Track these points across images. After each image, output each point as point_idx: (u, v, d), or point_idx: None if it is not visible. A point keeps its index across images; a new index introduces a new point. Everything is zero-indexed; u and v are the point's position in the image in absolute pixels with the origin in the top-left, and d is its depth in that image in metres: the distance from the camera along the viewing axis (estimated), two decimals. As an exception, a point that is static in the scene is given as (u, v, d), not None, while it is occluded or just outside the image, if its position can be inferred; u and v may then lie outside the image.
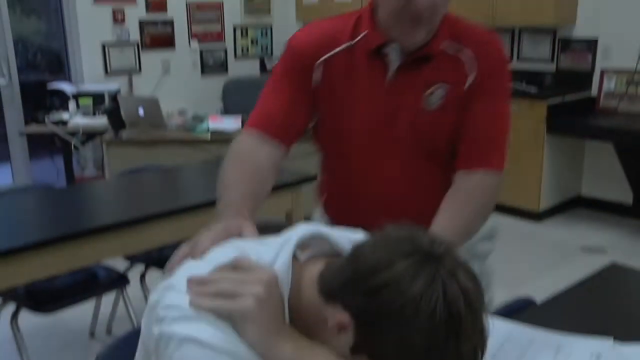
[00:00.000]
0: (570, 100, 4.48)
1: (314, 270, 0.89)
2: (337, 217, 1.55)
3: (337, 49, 1.40)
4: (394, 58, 1.36)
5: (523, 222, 4.49)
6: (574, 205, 4.77)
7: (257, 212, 1.26)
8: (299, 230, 0.95)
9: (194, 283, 0.87)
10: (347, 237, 0.96)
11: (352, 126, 1.42)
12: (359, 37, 1.39)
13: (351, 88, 1.40)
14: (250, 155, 1.35)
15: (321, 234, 0.95)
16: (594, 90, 4.57)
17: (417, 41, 1.33)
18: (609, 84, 4.48)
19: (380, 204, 1.43)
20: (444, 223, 1.30)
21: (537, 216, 4.49)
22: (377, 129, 1.41)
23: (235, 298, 0.84)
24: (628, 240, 4.17)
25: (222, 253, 0.95)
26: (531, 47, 4.91)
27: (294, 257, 0.92)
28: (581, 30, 4.59)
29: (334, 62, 1.40)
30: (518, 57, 4.98)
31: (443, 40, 1.36)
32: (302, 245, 0.94)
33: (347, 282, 0.80)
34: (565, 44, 4.69)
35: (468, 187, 1.37)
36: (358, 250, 0.84)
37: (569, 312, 1.43)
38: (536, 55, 4.88)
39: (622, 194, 4.54)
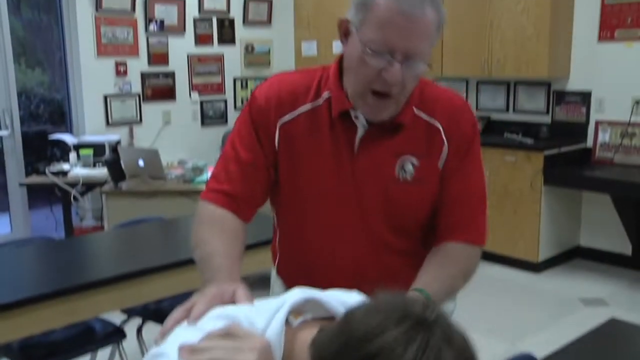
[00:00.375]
0: (566, 151, 4.54)
1: (307, 336, 0.88)
2: (289, 281, 1.47)
3: (300, 110, 1.34)
4: (362, 121, 1.30)
5: (522, 273, 4.47)
6: (572, 256, 4.76)
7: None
8: (292, 296, 0.95)
9: (186, 351, 0.86)
10: (341, 301, 0.96)
11: (313, 193, 1.35)
12: (323, 98, 1.34)
13: (314, 151, 1.33)
14: (223, 220, 1.32)
15: (314, 298, 0.96)
16: (589, 142, 4.63)
17: (384, 118, 1.28)
18: (604, 136, 4.54)
19: (337, 276, 1.33)
20: (427, 280, 1.26)
21: (536, 267, 4.48)
22: (342, 197, 1.33)
23: None
24: (628, 292, 4.14)
25: (214, 319, 0.94)
26: (527, 99, 4.99)
27: (287, 323, 0.92)
28: (575, 83, 4.69)
29: (296, 122, 1.34)
30: (514, 109, 5.06)
31: (413, 106, 1.31)
32: (295, 310, 0.95)
33: (340, 349, 0.79)
34: (560, 97, 4.78)
35: (451, 252, 1.34)
36: (351, 316, 0.82)
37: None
38: (532, 108, 4.96)
39: (621, 244, 4.54)
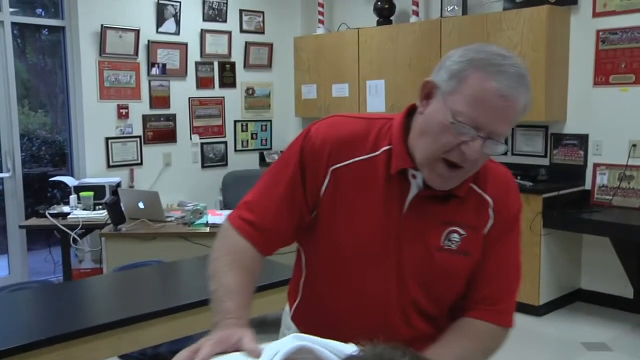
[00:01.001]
0: (565, 193, 4.55)
1: None
2: (305, 329, 1.40)
3: (356, 158, 1.29)
4: (418, 182, 1.27)
5: (523, 317, 4.42)
6: (573, 299, 4.72)
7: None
8: (286, 344, 0.96)
9: None
10: (336, 350, 0.96)
11: (351, 245, 1.30)
12: (381, 149, 1.29)
13: (362, 203, 1.29)
14: (243, 255, 1.30)
15: (308, 347, 0.96)
16: (588, 184, 4.65)
17: (448, 188, 1.25)
18: (602, 179, 4.57)
19: (360, 335, 1.29)
20: (440, 352, 1.22)
21: (537, 310, 4.44)
22: (382, 255, 1.29)
23: None
24: (630, 336, 4.10)
25: None
26: (525, 142, 5.03)
27: None
28: (572, 126, 4.74)
29: (350, 170, 1.29)
30: (512, 152, 5.10)
31: (469, 182, 1.29)
32: (289, 358, 0.95)
33: None
34: (558, 140, 4.82)
35: (473, 328, 1.30)
36: None
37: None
38: (530, 150, 4.99)
39: (622, 287, 4.51)
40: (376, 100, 5.53)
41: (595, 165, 4.60)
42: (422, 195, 1.27)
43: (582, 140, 4.68)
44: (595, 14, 4.51)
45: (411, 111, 1.29)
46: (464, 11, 5.10)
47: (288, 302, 1.51)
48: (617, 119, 4.46)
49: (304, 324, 1.43)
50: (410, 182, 1.28)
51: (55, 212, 4.39)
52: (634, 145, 4.39)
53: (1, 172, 4.96)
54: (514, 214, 1.34)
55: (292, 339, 0.97)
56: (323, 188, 1.31)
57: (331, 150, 1.30)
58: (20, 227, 4.63)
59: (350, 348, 0.98)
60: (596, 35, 4.51)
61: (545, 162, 4.90)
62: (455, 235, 1.28)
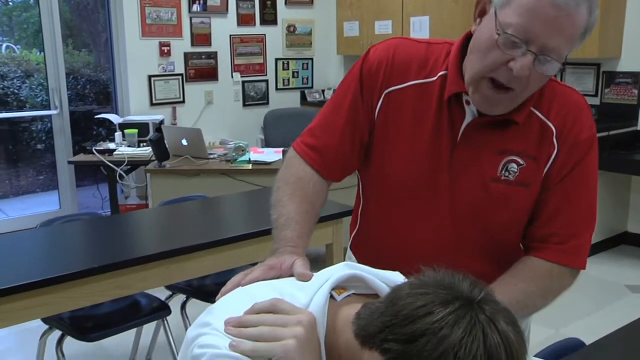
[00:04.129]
0: (615, 134, 4.40)
1: (351, 311, 0.89)
2: (362, 260, 1.38)
3: (411, 82, 1.25)
4: (473, 109, 1.20)
5: (566, 258, 4.38)
6: (619, 242, 4.64)
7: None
8: (337, 271, 0.96)
9: (232, 324, 0.88)
10: (386, 278, 0.96)
11: (403, 172, 1.26)
12: (438, 75, 1.23)
13: (414, 129, 1.24)
14: (306, 183, 1.28)
15: (358, 275, 0.96)
16: (640, 125, 4.48)
17: (495, 112, 1.17)
18: (656, 119, 4.39)
19: (412, 263, 1.32)
20: (500, 291, 1.13)
21: (581, 252, 4.38)
22: (434, 185, 1.24)
23: (276, 340, 0.85)
24: (677, 280, 4.03)
25: (264, 289, 0.97)
26: (575, 80, 4.85)
27: (331, 297, 0.93)
28: (626, 64, 4.52)
29: (403, 94, 1.25)
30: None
31: (531, 106, 1.20)
32: (339, 285, 0.95)
33: (384, 327, 0.79)
34: (610, 78, 4.63)
35: (537, 267, 1.22)
36: (396, 294, 0.82)
37: (619, 354, 1.38)
38: (580, 89, 4.79)
39: (671, 231, 4.40)
40: (420, 37, 5.38)
41: (649, 105, 4.42)
42: (478, 123, 1.20)
43: (636, 79, 4.48)
44: (658, -58, 4.23)
45: (469, 36, 1.21)
46: (516, -59, 4.84)
47: (350, 232, 1.49)
48: (675, 56, 4.24)
49: (361, 254, 1.42)
50: (465, 109, 1.21)
51: (101, 148, 4.48)
52: (693, 84, 4.18)
53: (49, 109, 5.06)
54: (584, 142, 1.21)
55: (343, 267, 0.97)
56: (377, 111, 1.27)
57: (386, 71, 1.26)
58: (69, 162, 4.75)
59: (398, 275, 0.98)
60: (658, -35, 4.24)
61: (595, 101, 4.72)
62: (514, 165, 1.20)
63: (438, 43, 1.28)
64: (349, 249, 1.49)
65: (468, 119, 1.21)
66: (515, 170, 1.20)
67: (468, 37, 1.22)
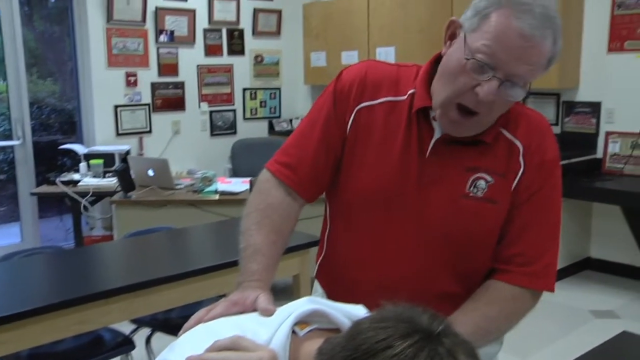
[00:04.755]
0: (577, 162, 4.51)
1: (313, 346, 0.88)
2: (328, 288, 1.41)
3: (381, 99, 1.27)
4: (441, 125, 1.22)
5: (532, 284, 4.44)
6: (583, 268, 4.73)
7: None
8: (300, 306, 0.96)
9: None
10: (348, 313, 0.96)
11: (371, 189, 1.26)
12: (408, 93, 1.26)
13: (382, 145, 1.25)
14: (276, 212, 1.27)
15: (321, 310, 0.96)
16: (600, 153, 4.61)
17: (462, 135, 1.20)
18: (614, 147, 4.52)
19: (376, 286, 1.25)
20: (460, 318, 1.16)
21: (546, 279, 4.44)
22: (402, 201, 1.23)
23: None
24: (638, 304, 4.11)
25: (223, 329, 0.96)
26: (537, 109, 4.97)
27: (294, 332, 0.93)
28: (585, 94, 4.67)
29: (373, 110, 1.27)
30: (523, 120, 5.04)
31: (500, 127, 1.23)
32: (302, 320, 0.95)
33: None
34: (570, 107, 4.77)
35: (501, 291, 1.23)
36: (357, 329, 0.82)
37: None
38: (541, 118, 4.94)
39: (631, 256, 4.50)
40: (386, 67, 5.47)
41: (608, 134, 4.55)
42: (446, 139, 1.22)
43: (594, 108, 4.62)
44: (611, -22, 4.41)
45: (438, 58, 1.25)
46: (476, -24, 5.00)
47: (315, 259, 1.47)
48: (631, 86, 4.39)
49: (327, 280, 1.42)
50: (433, 125, 1.23)
51: (65, 179, 4.41)
52: (648, 113, 4.33)
53: (12, 140, 4.98)
54: (549, 162, 1.24)
55: (306, 302, 0.97)
56: (348, 127, 1.29)
57: (358, 88, 1.29)
58: (32, 194, 4.66)
59: (361, 309, 0.98)
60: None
61: (557, 130, 4.84)
62: (482, 182, 1.22)
63: (408, 66, 1.33)
64: (315, 279, 1.48)
65: (437, 134, 1.23)
66: (484, 187, 1.22)
67: (438, 58, 1.25)
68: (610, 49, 4.47)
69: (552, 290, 1.27)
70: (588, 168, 4.55)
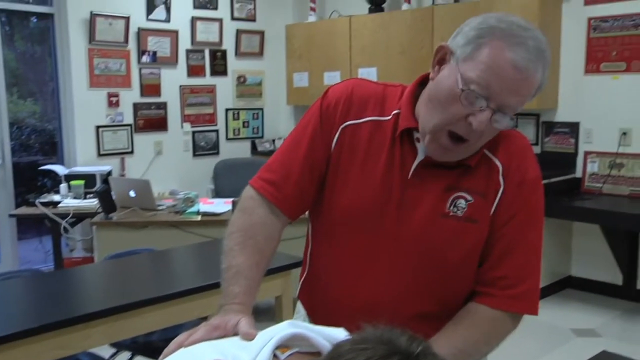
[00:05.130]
0: (557, 181, 4.57)
1: None
2: (309, 307, 1.41)
3: (366, 118, 1.28)
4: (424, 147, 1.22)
5: (514, 303, 4.45)
6: (564, 286, 4.76)
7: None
8: (280, 330, 0.96)
9: None
10: (329, 336, 0.97)
11: (353, 208, 1.26)
12: (393, 114, 1.27)
13: (366, 164, 1.26)
14: (259, 232, 1.27)
15: (302, 334, 0.96)
16: (579, 172, 4.67)
17: (450, 160, 1.21)
18: (593, 166, 4.59)
19: (357, 304, 1.25)
20: (440, 342, 1.16)
21: (528, 297, 4.47)
22: (383, 221, 1.24)
23: None
24: (619, 322, 4.14)
25: (204, 354, 0.96)
26: (517, 129, 5.04)
27: (275, 356, 0.94)
28: (563, 114, 4.75)
29: (358, 129, 1.27)
30: (503, 140, 5.10)
31: (483, 151, 1.23)
32: (282, 344, 0.96)
33: None
34: (549, 128, 4.84)
35: (482, 315, 1.23)
36: (337, 351, 0.83)
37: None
38: (521, 138, 5.00)
39: (612, 274, 4.55)
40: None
41: (586, 153, 4.62)
42: (429, 162, 1.23)
43: (573, 128, 4.70)
44: (587, 2, 4.51)
45: (424, 80, 1.26)
46: (456, -1, 5.09)
47: (299, 280, 1.46)
48: (607, 107, 4.48)
49: (309, 299, 1.41)
50: (416, 146, 1.24)
51: (45, 200, 4.37)
52: (624, 133, 4.41)
53: (-10, 160, 4.92)
54: (530, 182, 1.24)
55: (287, 326, 0.97)
56: (333, 145, 1.29)
57: (344, 106, 1.29)
58: (10, 215, 4.60)
59: (341, 332, 0.98)
60: (587, 23, 4.51)
61: (537, 150, 4.91)
62: (462, 201, 1.22)
63: (393, 85, 1.33)
64: (298, 300, 1.47)
65: (420, 157, 1.24)
66: (464, 207, 1.22)
67: (423, 79, 1.26)
68: (587, 71, 4.56)
69: (535, 313, 1.26)
70: (568, 187, 4.61)
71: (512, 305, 1.23)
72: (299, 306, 1.46)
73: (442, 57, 1.19)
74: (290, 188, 1.29)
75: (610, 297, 4.53)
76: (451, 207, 1.22)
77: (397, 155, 1.24)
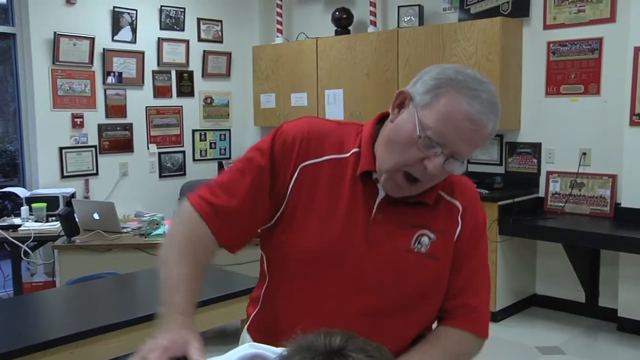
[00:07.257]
0: (520, 201, 4.65)
1: None
2: (262, 341, 1.35)
3: (326, 157, 1.29)
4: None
5: (481, 322, 4.49)
6: (529, 305, 4.82)
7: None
8: (240, 351, 0.99)
9: None
10: None
11: (317, 245, 1.25)
12: (351, 152, 1.29)
13: (328, 204, 1.27)
14: (198, 244, 1.27)
15: (261, 355, 0.99)
16: (542, 191, 4.76)
17: (401, 196, 1.26)
18: (555, 186, 4.69)
19: None
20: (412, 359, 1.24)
21: (493, 316, 4.51)
22: (348, 260, 1.25)
23: None
24: (583, 339, 4.21)
25: None
26: (481, 150, 5.11)
27: None
28: (526, 135, 4.85)
29: (318, 168, 1.28)
30: (469, 160, 5.17)
31: (438, 190, 1.31)
32: None
33: None
34: (512, 148, 4.93)
35: (450, 335, 1.32)
36: None
37: None
38: (486, 158, 5.09)
39: (574, 292, 4.63)
40: (334, 109, 5.56)
41: (548, 173, 4.72)
42: (390, 199, 1.27)
43: (535, 149, 4.80)
44: (546, 26, 4.64)
45: (382, 118, 1.31)
46: (421, 22, 5.18)
47: (247, 313, 1.44)
48: (568, 128, 4.59)
49: (260, 336, 1.36)
50: (377, 187, 1.28)
51: (5, 224, 4.26)
52: (584, 154, 4.53)
53: (-52, 183, 4.79)
54: (482, 222, 1.37)
55: (247, 347, 0.99)
56: (291, 184, 1.29)
57: (301, 146, 1.29)
58: (-31, 240, 4.47)
59: None
60: (547, 46, 4.64)
61: (500, 170, 5.00)
62: (426, 238, 1.28)
63: (347, 123, 1.37)
64: (245, 330, 1.43)
65: (381, 194, 1.28)
66: (427, 244, 1.28)
67: (381, 118, 1.31)
68: (548, 93, 4.68)
69: (486, 337, 1.37)
70: (531, 207, 4.69)
71: (472, 327, 1.34)
72: (246, 338, 1.41)
73: (402, 101, 1.24)
74: (228, 216, 1.28)
75: (574, 314, 4.61)
76: (415, 244, 1.28)
77: (359, 193, 1.27)
